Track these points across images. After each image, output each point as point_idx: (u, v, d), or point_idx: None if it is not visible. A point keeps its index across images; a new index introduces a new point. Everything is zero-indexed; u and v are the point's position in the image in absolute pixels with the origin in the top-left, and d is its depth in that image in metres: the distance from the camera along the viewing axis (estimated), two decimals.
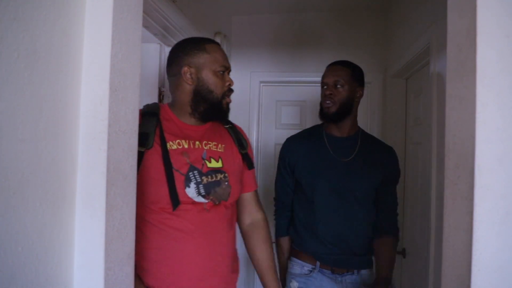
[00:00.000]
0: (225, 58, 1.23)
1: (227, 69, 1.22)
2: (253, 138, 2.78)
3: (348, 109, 1.54)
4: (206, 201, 1.15)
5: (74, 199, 0.72)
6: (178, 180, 1.11)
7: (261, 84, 2.82)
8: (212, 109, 1.20)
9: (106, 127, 0.72)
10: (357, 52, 2.54)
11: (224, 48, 2.47)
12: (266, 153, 2.81)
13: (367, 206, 1.55)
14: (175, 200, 1.09)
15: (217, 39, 2.37)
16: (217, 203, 1.17)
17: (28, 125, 0.60)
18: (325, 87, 1.59)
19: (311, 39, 2.72)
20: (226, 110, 1.23)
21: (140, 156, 1.04)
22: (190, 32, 1.91)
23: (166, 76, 1.99)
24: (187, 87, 1.19)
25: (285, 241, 1.66)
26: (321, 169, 1.54)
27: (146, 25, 1.65)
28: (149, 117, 1.14)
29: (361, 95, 1.59)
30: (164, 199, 1.09)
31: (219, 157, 1.22)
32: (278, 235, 1.68)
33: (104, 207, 0.71)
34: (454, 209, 0.69)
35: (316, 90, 2.89)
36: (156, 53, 1.87)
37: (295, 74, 2.74)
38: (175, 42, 1.92)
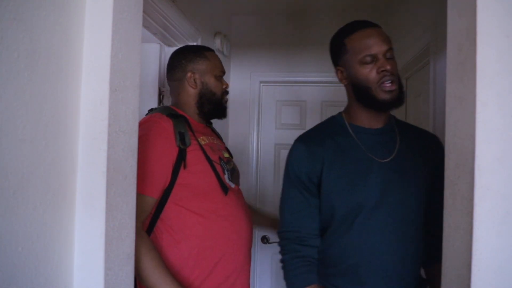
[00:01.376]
0: (222, 64, 1.41)
1: (224, 73, 1.41)
2: (253, 138, 2.78)
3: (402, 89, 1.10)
4: (233, 185, 1.31)
5: (74, 199, 0.72)
6: (219, 169, 1.26)
7: (261, 84, 2.82)
8: (215, 108, 1.37)
9: (106, 127, 0.72)
10: None
11: (224, 48, 2.47)
12: (265, 153, 2.81)
13: (420, 221, 1.09)
14: (224, 186, 1.24)
15: (217, 39, 2.37)
16: (239, 186, 1.37)
17: (28, 125, 0.60)
18: (374, 60, 1.05)
19: (311, 39, 2.72)
20: (224, 109, 1.41)
21: (183, 154, 1.18)
22: (190, 32, 1.91)
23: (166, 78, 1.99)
24: (192, 91, 1.34)
25: None
26: (359, 179, 1.07)
27: (146, 25, 1.65)
28: (176, 118, 1.24)
29: None
30: (215, 187, 1.23)
31: (225, 148, 1.44)
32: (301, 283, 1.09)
33: (104, 207, 0.71)
34: (454, 209, 0.69)
35: (316, 90, 2.92)
36: (156, 53, 1.87)
37: (295, 74, 2.74)
38: (175, 42, 1.92)
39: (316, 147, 1.12)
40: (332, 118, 1.22)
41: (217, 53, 2.42)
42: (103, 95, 0.72)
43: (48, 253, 0.65)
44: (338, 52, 1.14)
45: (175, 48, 1.99)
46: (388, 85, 1.04)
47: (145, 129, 1.16)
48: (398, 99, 1.07)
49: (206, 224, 1.20)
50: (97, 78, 0.73)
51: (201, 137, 1.29)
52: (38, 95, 0.62)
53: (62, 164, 0.68)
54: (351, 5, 2.60)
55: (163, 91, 1.95)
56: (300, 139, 1.17)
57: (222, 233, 1.22)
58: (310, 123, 2.79)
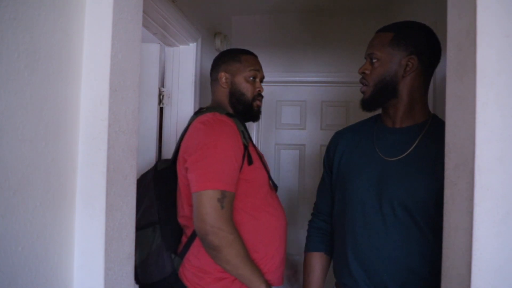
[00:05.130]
0: (257, 68, 1.43)
1: (258, 76, 1.43)
2: (253, 138, 2.78)
3: (389, 90, 1.09)
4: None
5: (74, 199, 0.72)
6: (267, 167, 1.36)
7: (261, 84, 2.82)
8: (246, 109, 1.41)
9: (106, 127, 0.72)
10: (357, 52, 2.54)
11: (224, 48, 2.48)
12: (266, 153, 2.81)
13: (424, 225, 1.02)
14: (273, 183, 1.36)
15: (217, 39, 2.37)
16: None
17: (28, 125, 0.60)
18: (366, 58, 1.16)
19: (311, 39, 2.72)
20: (257, 111, 1.44)
21: (246, 150, 1.26)
22: (190, 32, 1.91)
23: (166, 76, 2.00)
24: (223, 90, 1.42)
25: (313, 258, 1.27)
26: (356, 173, 1.15)
27: (146, 25, 1.65)
28: (234, 117, 1.32)
29: (412, 66, 1.06)
30: (266, 183, 1.31)
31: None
32: (305, 249, 1.31)
33: (104, 207, 0.71)
34: (454, 209, 0.69)
35: (316, 90, 2.92)
36: (156, 53, 1.87)
37: (295, 74, 2.74)
38: (175, 42, 1.92)
39: (339, 139, 1.26)
40: (375, 115, 1.26)
41: (216, 52, 2.43)
42: (103, 95, 0.72)
43: (48, 253, 0.65)
44: None
45: (175, 48, 2.00)
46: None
47: (213, 126, 1.22)
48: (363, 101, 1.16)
49: (257, 220, 1.25)
50: (97, 78, 0.73)
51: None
52: (38, 95, 0.62)
53: (62, 164, 0.68)
54: (351, 5, 2.60)
55: (163, 91, 1.95)
56: (336, 132, 1.33)
57: (270, 228, 1.28)
58: (310, 123, 2.80)
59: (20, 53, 0.58)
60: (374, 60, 1.10)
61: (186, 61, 2.00)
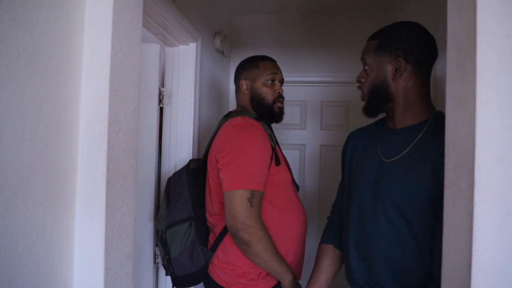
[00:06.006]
0: (274, 71, 1.51)
1: (276, 79, 1.51)
2: None
3: (382, 95, 1.11)
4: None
5: (74, 199, 0.72)
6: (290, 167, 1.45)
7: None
8: (268, 112, 1.49)
9: (106, 127, 0.72)
10: (358, 52, 2.54)
11: (224, 48, 2.48)
12: None
13: (420, 226, 1.03)
14: (295, 183, 1.46)
15: (217, 39, 2.37)
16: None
17: (28, 125, 0.60)
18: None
19: (312, 39, 2.73)
20: (279, 113, 1.51)
21: (275, 152, 1.35)
22: (190, 32, 1.91)
23: (166, 76, 2.00)
24: (245, 96, 1.52)
25: (321, 249, 1.33)
26: (358, 173, 1.21)
27: (146, 25, 1.65)
28: (261, 121, 1.40)
29: (400, 68, 1.07)
30: (290, 182, 1.41)
31: None
32: (320, 241, 1.37)
33: (104, 207, 0.71)
34: (454, 209, 0.69)
35: (316, 90, 2.92)
36: (156, 53, 1.87)
37: (296, 74, 2.74)
38: (175, 42, 1.92)
39: (352, 138, 1.32)
40: (383, 117, 1.27)
41: (216, 52, 2.43)
42: (103, 95, 0.72)
43: (48, 253, 0.65)
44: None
45: (175, 48, 2.00)
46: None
47: (244, 129, 1.31)
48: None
49: (280, 218, 1.34)
50: (97, 78, 0.73)
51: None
52: (38, 95, 0.62)
53: (62, 164, 0.68)
54: (351, 5, 2.60)
55: (163, 91, 1.95)
56: (352, 130, 1.37)
57: (292, 227, 1.37)
58: (310, 123, 2.80)
59: (20, 53, 0.58)
60: (366, 68, 1.14)
61: (186, 61, 2.00)
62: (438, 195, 0.93)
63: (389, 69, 1.09)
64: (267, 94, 1.48)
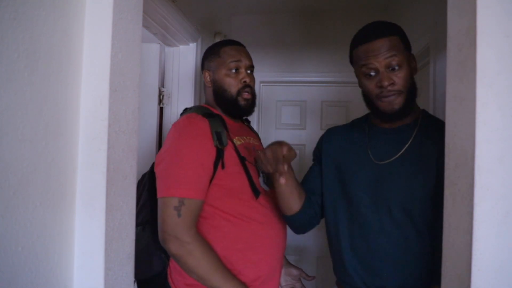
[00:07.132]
0: (237, 58, 1.27)
1: (241, 67, 1.28)
2: None
3: (414, 94, 1.08)
4: (268, 189, 1.25)
5: (74, 199, 0.72)
6: (253, 171, 1.21)
7: (261, 84, 2.82)
8: (230, 106, 1.28)
9: (106, 127, 0.72)
10: None
11: None
12: None
13: (421, 226, 1.03)
14: (255, 190, 1.19)
15: (217, 39, 2.37)
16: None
17: (28, 125, 0.60)
18: (372, 73, 1.06)
19: (311, 39, 2.72)
20: (245, 106, 1.28)
21: (220, 154, 1.15)
22: (190, 32, 1.91)
23: (166, 76, 2.00)
24: (209, 89, 1.32)
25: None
26: (350, 176, 1.15)
27: (146, 25, 1.65)
28: (212, 117, 1.20)
29: (416, 65, 1.11)
30: (247, 190, 1.18)
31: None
32: None
33: (104, 207, 0.71)
34: (454, 209, 0.69)
35: (316, 90, 2.92)
36: (156, 53, 1.87)
37: (295, 74, 2.73)
38: (175, 42, 1.92)
39: (335, 136, 1.23)
40: (363, 117, 1.25)
41: None
42: (103, 95, 0.72)
43: (48, 253, 0.65)
44: (350, 60, 1.21)
45: (175, 48, 2.00)
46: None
47: (181, 129, 1.16)
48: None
49: (238, 227, 1.17)
50: (97, 78, 0.73)
51: (236, 137, 1.25)
52: (38, 95, 0.62)
53: (62, 164, 0.68)
54: (351, 5, 2.60)
55: (163, 91, 1.95)
56: (328, 129, 1.30)
57: (254, 237, 1.19)
58: (310, 123, 2.80)
59: (20, 53, 0.58)
60: (397, 66, 1.03)
61: (186, 61, 2.00)
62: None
63: (413, 65, 1.08)
64: (230, 85, 1.26)
